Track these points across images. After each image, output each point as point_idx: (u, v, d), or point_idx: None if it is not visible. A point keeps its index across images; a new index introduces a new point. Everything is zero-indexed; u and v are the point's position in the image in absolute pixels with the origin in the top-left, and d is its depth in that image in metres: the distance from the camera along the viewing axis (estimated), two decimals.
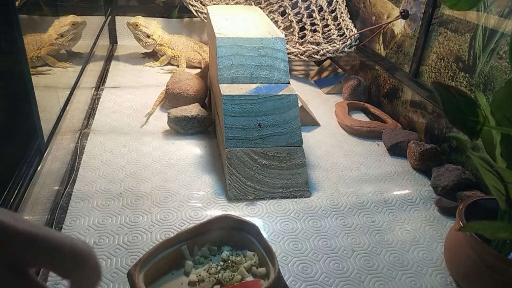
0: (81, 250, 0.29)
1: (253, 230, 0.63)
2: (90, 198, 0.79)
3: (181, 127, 1.03)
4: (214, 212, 0.78)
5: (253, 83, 0.92)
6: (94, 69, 1.31)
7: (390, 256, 0.71)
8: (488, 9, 0.86)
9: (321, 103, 1.31)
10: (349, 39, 1.37)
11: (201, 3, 1.53)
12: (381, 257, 0.71)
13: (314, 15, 1.51)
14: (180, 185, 0.86)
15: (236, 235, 0.65)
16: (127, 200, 0.80)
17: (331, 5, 1.50)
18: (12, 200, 0.61)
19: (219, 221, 0.64)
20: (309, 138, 1.09)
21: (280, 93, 0.89)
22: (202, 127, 1.05)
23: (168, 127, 1.05)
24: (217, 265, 0.61)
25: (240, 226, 0.64)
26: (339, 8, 1.48)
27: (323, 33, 1.46)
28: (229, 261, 0.62)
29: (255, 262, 0.62)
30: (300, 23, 1.53)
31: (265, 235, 0.73)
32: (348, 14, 1.46)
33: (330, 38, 1.43)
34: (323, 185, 0.89)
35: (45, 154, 0.75)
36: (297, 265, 0.68)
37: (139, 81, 1.37)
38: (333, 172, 0.94)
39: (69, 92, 1.00)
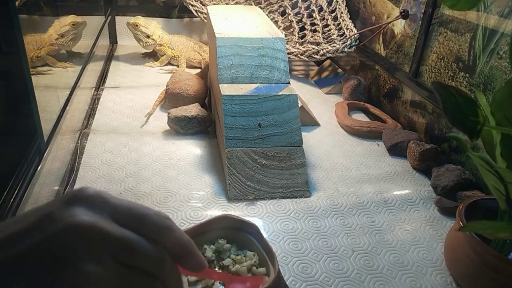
0: (163, 215, 0.30)
1: (253, 230, 0.63)
2: None
3: (181, 127, 1.03)
4: (214, 212, 0.78)
5: (253, 83, 0.92)
6: (94, 69, 1.31)
7: (390, 256, 0.71)
8: (488, 9, 0.86)
9: (321, 103, 1.31)
10: (349, 39, 1.37)
11: (201, 3, 1.53)
12: (381, 257, 0.71)
13: (314, 15, 1.51)
14: (180, 185, 0.86)
15: (236, 235, 0.65)
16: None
17: (331, 5, 1.50)
18: (12, 200, 0.61)
19: (219, 221, 0.64)
20: (309, 138, 1.09)
21: (280, 93, 0.89)
22: (202, 127, 1.05)
23: (168, 127, 1.06)
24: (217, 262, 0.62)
25: (240, 226, 0.64)
26: (339, 8, 1.48)
27: (323, 33, 1.46)
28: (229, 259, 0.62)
29: (255, 262, 0.62)
30: (300, 23, 1.53)
31: (265, 235, 0.73)
32: (348, 14, 1.46)
33: (330, 38, 1.43)
34: (323, 185, 0.89)
35: (45, 154, 0.75)
36: (297, 265, 0.68)
37: (139, 81, 1.37)
38: (333, 172, 0.94)
39: (69, 92, 1.00)
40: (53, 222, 0.27)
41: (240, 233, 0.64)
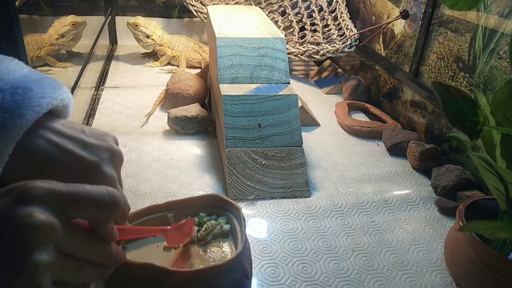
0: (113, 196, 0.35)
1: (235, 211, 0.63)
2: None
3: (181, 127, 1.03)
4: None
5: (253, 83, 0.92)
6: (94, 69, 1.31)
7: (390, 256, 0.71)
8: (488, 9, 0.86)
9: (321, 103, 1.31)
10: (349, 39, 1.37)
11: (201, 3, 1.53)
12: (381, 257, 0.71)
13: (314, 15, 1.51)
14: (180, 185, 0.86)
15: (218, 212, 0.65)
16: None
17: (331, 5, 1.50)
18: None
19: (206, 199, 0.64)
20: (309, 138, 1.09)
21: (280, 93, 0.89)
22: (202, 127, 1.05)
23: (168, 127, 1.06)
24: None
25: (224, 206, 0.64)
26: (339, 8, 1.48)
27: (323, 33, 1.46)
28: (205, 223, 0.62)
29: (221, 228, 0.62)
30: (300, 23, 1.53)
31: (265, 235, 0.73)
32: (348, 14, 1.46)
33: (330, 38, 1.43)
34: (323, 185, 0.89)
35: None
36: (297, 265, 0.68)
37: (139, 81, 1.37)
38: (333, 172, 0.94)
39: None
40: (6, 222, 0.29)
41: (222, 211, 0.65)
